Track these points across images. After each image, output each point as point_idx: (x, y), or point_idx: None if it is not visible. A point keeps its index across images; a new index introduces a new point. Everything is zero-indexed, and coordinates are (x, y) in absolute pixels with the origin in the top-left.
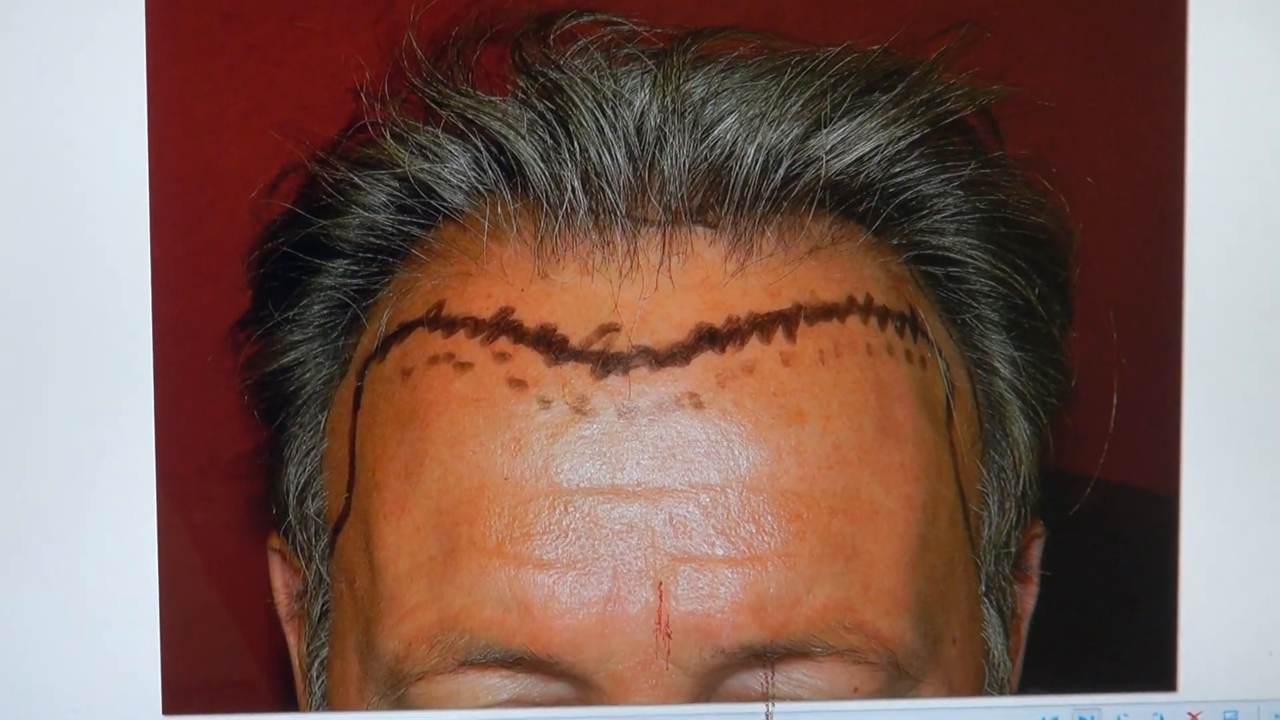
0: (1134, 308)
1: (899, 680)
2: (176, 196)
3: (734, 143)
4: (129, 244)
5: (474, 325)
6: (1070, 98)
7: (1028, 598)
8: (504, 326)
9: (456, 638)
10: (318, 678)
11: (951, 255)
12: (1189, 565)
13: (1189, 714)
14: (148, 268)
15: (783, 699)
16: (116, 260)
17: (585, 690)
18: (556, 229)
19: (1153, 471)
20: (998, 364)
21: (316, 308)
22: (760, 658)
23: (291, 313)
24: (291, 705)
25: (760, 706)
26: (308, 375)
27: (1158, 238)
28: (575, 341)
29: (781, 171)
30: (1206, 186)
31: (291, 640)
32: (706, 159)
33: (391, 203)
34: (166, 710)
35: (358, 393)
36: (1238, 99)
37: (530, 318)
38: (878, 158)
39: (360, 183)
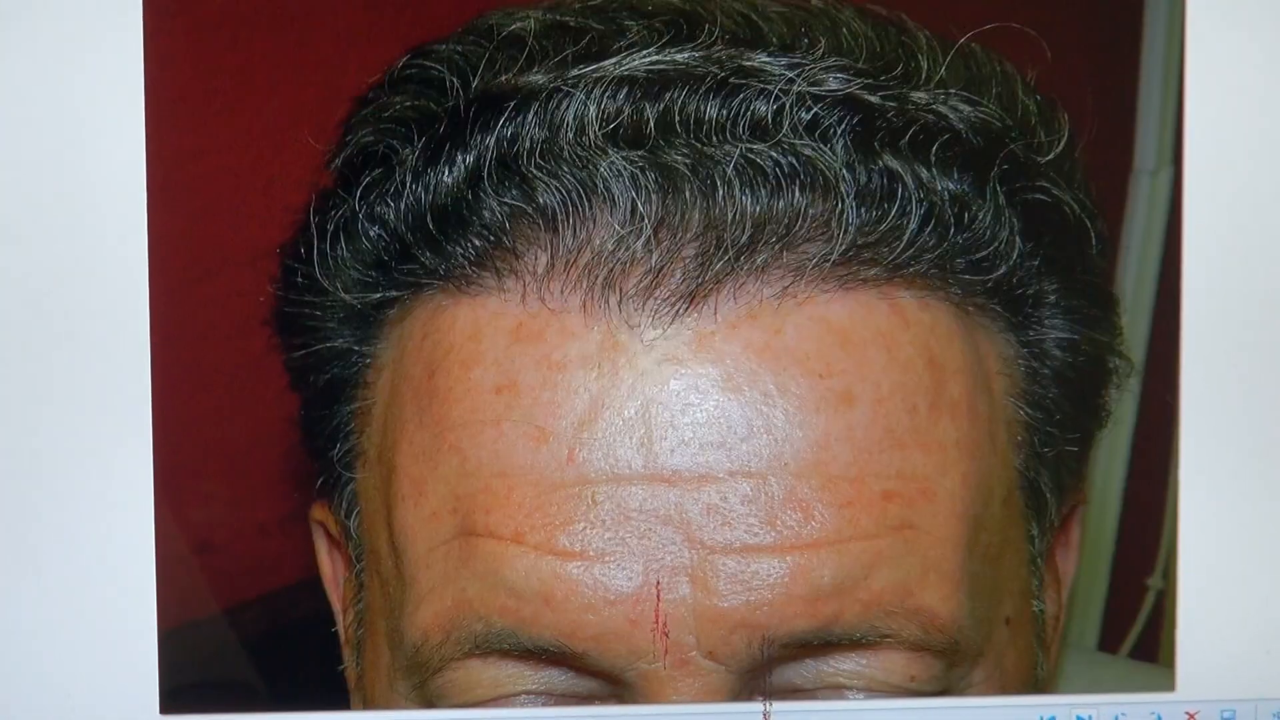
0: (1131, 305)
1: (955, 666)
2: (176, 202)
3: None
4: (127, 244)
5: (497, 311)
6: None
7: (1070, 564)
8: (527, 315)
9: (473, 622)
10: (355, 662)
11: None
12: (1187, 564)
13: (1187, 713)
14: (145, 267)
15: (836, 690)
16: (114, 260)
17: (618, 688)
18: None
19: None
20: (1052, 344)
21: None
22: (806, 649)
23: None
24: (287, 704)
25: (757, 706)
26: (340, 359)
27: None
28: (604, 325)
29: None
30: (1203, 185)
31: (337, 609)
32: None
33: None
34: (164, 710)
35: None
36: (1235, 98)
37: (552, 304)
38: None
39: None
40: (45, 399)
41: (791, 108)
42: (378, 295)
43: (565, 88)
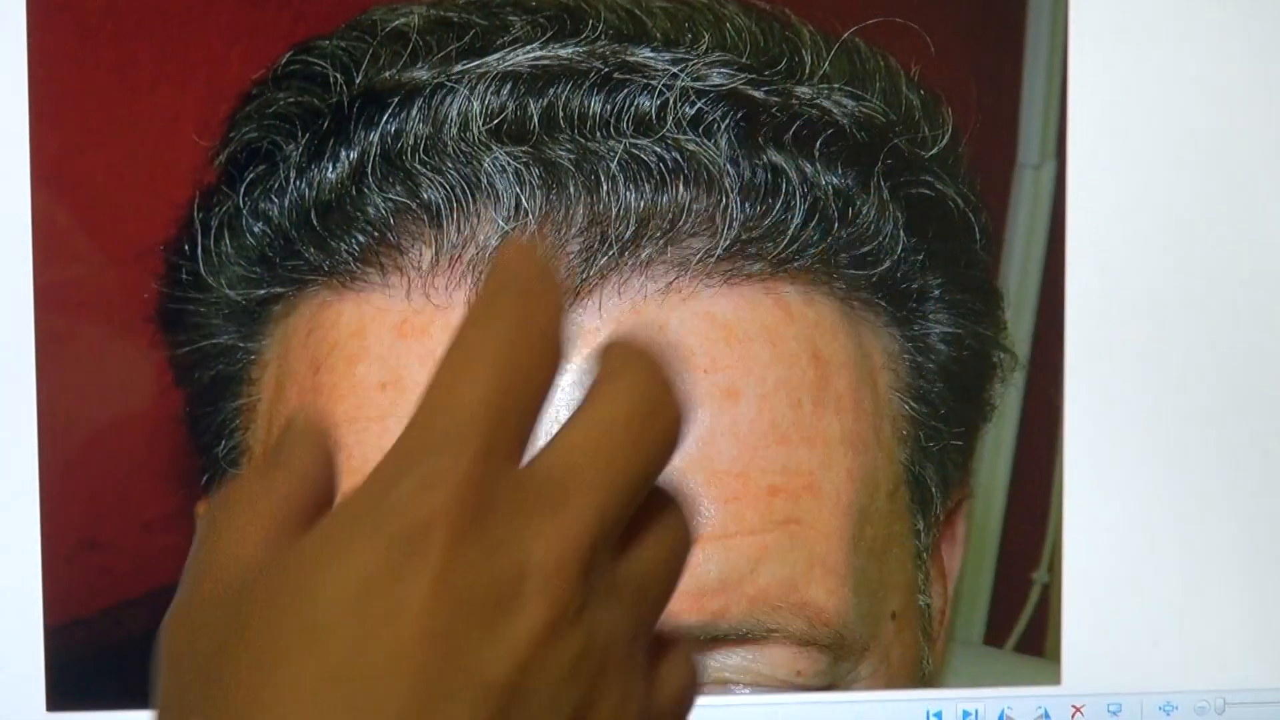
0: (1015, 299)
1: (841, 661)
2: (60, 199)
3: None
4: (11, 241)
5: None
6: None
7: (955, 559)
8: (411, 311)
9: None
10: None
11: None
12: (1072, 558)
13: (1073, 706)
14: (29, 264)
15: (722, 685)
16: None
17: None
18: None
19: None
20: (936, 339)
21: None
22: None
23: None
24: None
25: None
26: (225, 355)
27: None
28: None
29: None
30: (1086, 179)
31: None
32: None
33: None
34: (50, 707)
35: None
36: (1118, 93)
37: (437, 299)
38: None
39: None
40: None
41: (675, 103)
42: (262, 291)
43: (449, 83)
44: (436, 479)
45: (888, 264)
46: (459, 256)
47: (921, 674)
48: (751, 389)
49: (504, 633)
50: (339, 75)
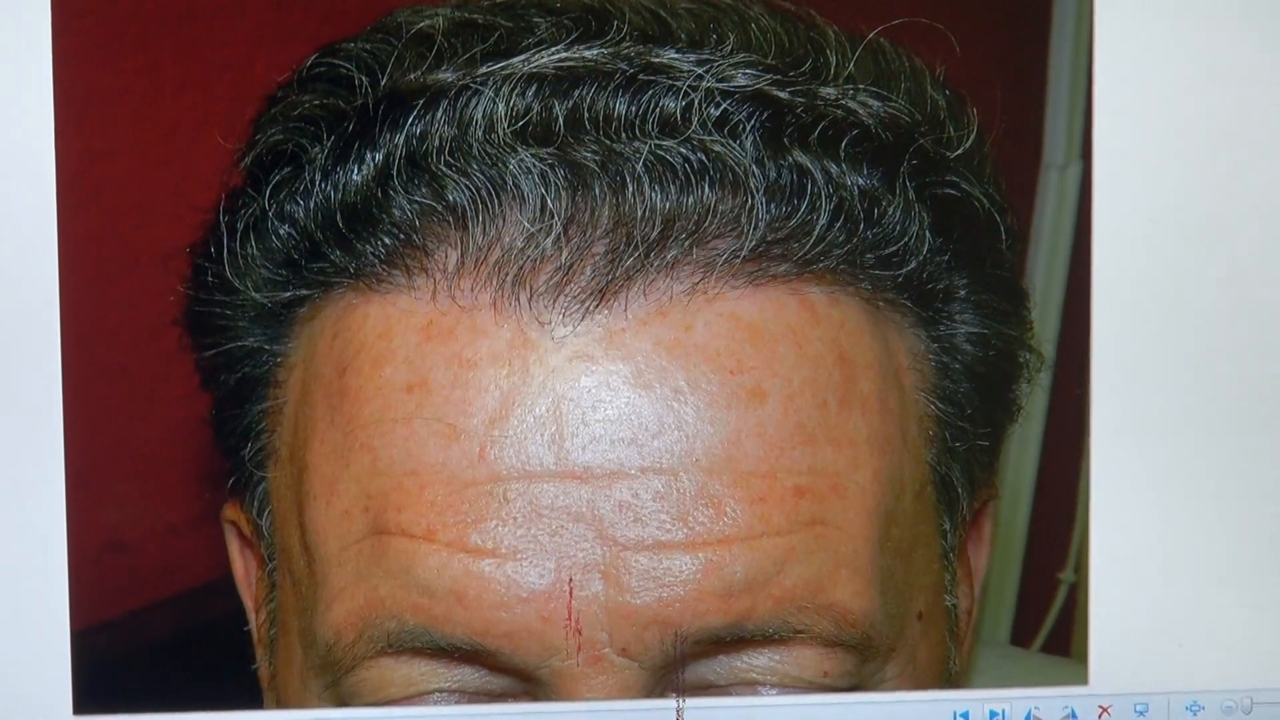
0: (1041, 299)
1: (868, 661)
2: (86, 202)
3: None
4: (38, 244)
5: (408, 309)
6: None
7: (982, 559)
8: (437, 313)
9: (385, 621)
10: (268, 661)
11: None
12: (1099, 557)
13: (1100, 707)
14: (55, 267)
15: (749, 686)
16: (25, 261)
17: (531, 685)
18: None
19: (1062, 464)
20: (962, 339)
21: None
22: (719, 645)
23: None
24: (200, 704)
25: (671, 703)
26: (251, 358)
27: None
28: (515, 322)
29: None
30: (1112, 179)
31: (250, 608)
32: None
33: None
34: (77, 710)
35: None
36: (1143, 93)
37: (462, 301)
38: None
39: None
40: None
41: (700, 104)
42: (288, 294)
43: (474, 85)
44: None
45: (913, 264)
46: (485, 258)
47: (948, 674)
48: (777, 390)
49: None
50: (364, 77)
